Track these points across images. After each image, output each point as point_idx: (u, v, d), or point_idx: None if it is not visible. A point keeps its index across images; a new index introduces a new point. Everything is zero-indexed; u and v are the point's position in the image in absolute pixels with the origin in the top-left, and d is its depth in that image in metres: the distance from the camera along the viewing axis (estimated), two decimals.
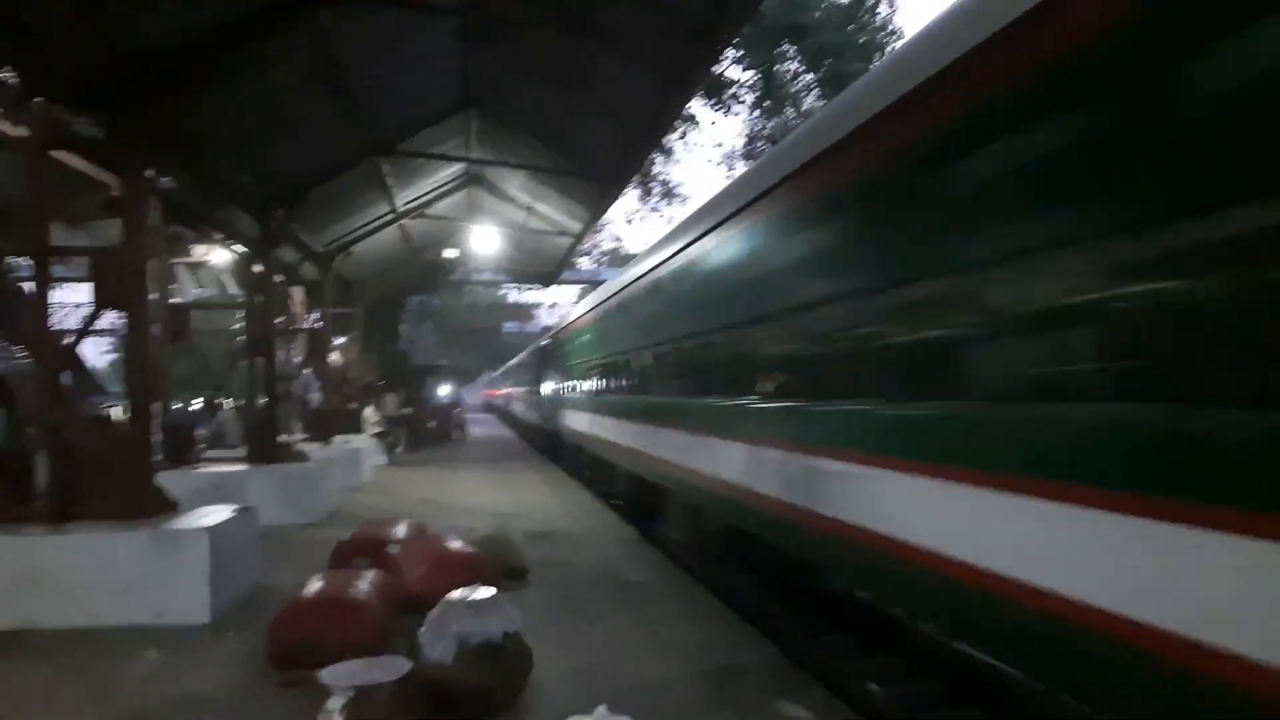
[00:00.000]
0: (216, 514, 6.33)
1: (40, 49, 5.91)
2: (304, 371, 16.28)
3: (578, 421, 14.25)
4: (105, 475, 6.15)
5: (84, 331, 7.33)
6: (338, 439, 15.26)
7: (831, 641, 5.64)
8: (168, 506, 6.47)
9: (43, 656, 5.04)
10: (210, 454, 11.69)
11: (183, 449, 10.16)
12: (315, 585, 5.28)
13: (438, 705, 3.91)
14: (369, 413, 19.23)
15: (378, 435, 18.37)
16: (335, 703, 3.60)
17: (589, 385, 12.97)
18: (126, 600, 5.60)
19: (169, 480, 7.30)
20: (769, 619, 5.86)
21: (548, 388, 19.07)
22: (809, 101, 21.23)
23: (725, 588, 6.66)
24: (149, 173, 7.70)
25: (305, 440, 13.82)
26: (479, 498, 12.19)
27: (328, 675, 3.72)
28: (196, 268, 15.68)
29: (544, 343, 20.77)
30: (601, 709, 3.07)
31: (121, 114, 6.35)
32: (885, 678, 4.87)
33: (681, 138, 23.19)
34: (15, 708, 4.27)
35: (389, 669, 3.83)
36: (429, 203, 16.60)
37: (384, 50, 9.18)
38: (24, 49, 5.91)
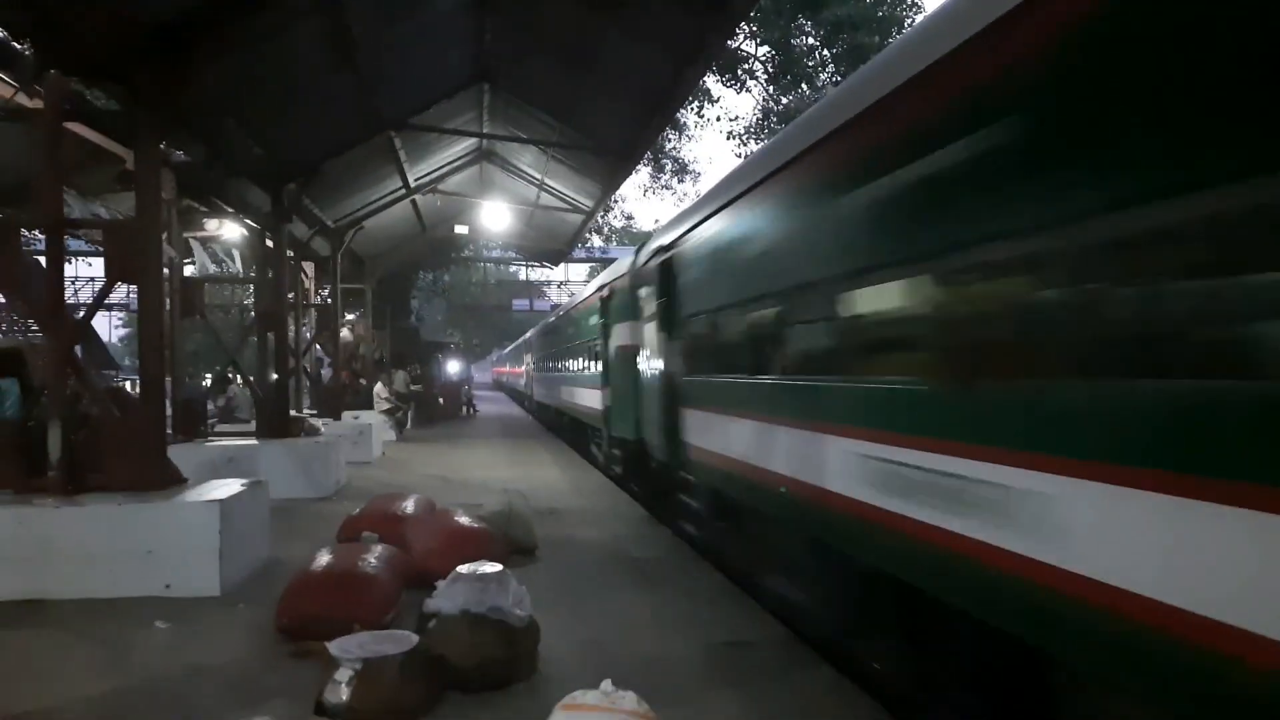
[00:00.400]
0: (227, 487, 6.37)
1: (55, 21, 5.89)
2: (315, 347, 16.34)
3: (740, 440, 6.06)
4: (118, 448, 6.20)
5: (97, 304, 7.37)
6: (347, 414, 15.35)
7: (838, 620, 5.62)
8: (179, 480, 6.52)
9: (57, 626, 5.10)
10: (221, 428, 11.77)
11: (194, 423, 10.23)
12: (324, 559, 5.31)
13: (445, 678, 3.94)
14: (379, 389, 19.31)
15: (387, 411, 18.45)
16: (343, 674, 3.63)
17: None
18: (138, 572, 5.64)
19: (181, 454, 7.35)
20: (776, 597, 5.86)
21: (629, 363, 9.98)
22: (824, 77, 20.96)
23: (733, 566, 6.66)
24: (162, 146, 7.70)
25: (315, 416, 13.90)
26: (487, 474, 12.23)
27: (336, 647, 3.75)
28: (209, 242, 15.72)
29: (619, 282, 11.10)
30: (606, 683, 3.08)
31: (136, 87, 6.33)
32: (890, 656, 4.85)
33: (699, 113, 22.94)
34: (32, 675, 4.33)
35: (397, 642, 3.86)
36: (441, 178, 16.57)
37: (397, 22, 9.12)
38: (39, 21, 5.89)
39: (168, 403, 7.79)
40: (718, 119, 31.21)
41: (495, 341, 61.25)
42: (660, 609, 5.53)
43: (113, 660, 4.55)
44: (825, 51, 21.04)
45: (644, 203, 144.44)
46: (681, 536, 7.96)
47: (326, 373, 17.72)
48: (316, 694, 3.65)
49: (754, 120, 22.30)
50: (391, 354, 23.01)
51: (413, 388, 22.80)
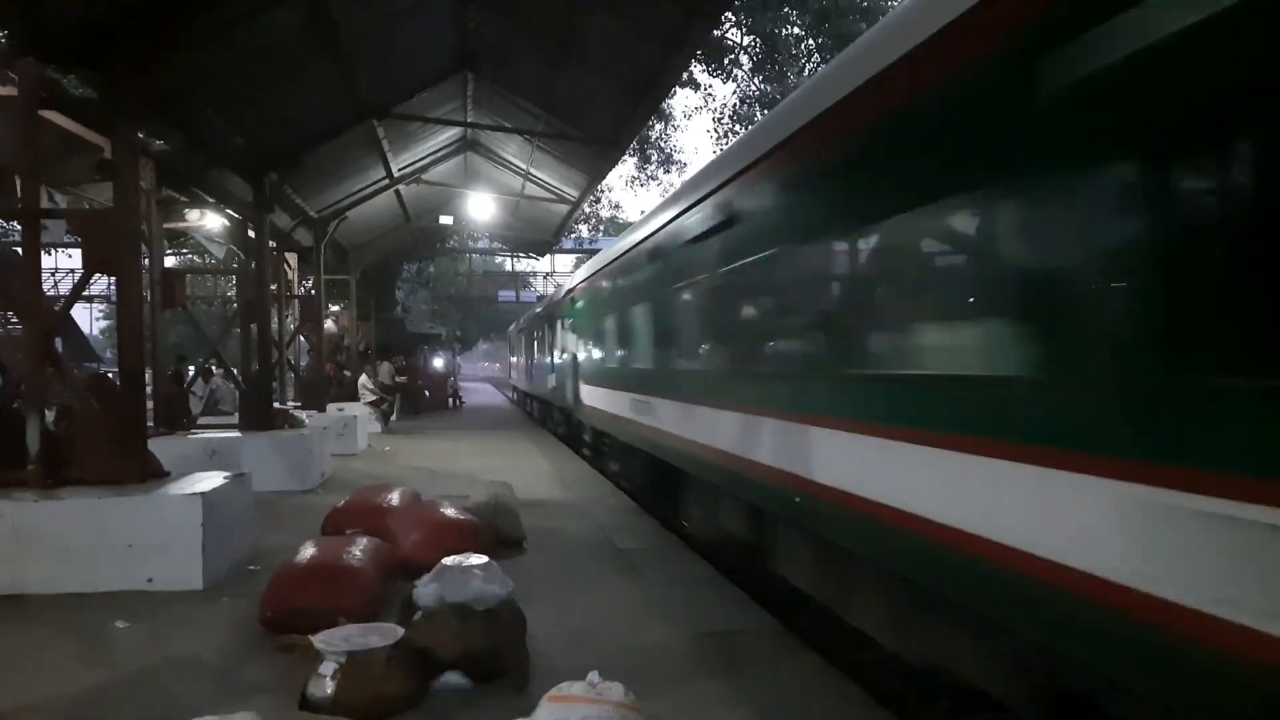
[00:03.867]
0: (210, 480, 6.30)
1: (29, 5, 5.77)
2: (299, 338, 16.20)
3: None
4: (98, 440, 6.11)
5: (75, 295, 7.27)
6: (332, 406, 15.24)
7: (824, 609, 5.63)
8: (160, 472, 6.44)
9: (35, 621, 5.03)
10: (204, 420, 11.66)
11: (177, 415, 10.12)
12: (308, 551, 5.27)
13: (431, 670, 3.91)
14: (364, 380, 19.19)
15: (372, 403, 18.35)
16: (328, 667, 3.60)
17: None
18: (119, 566, 5.58)
19: (163, 446, 7.26)
20: (763, 586, 5.86)
21: None
22: (810, 66, 20.89)
23: (719, 556, 6.66)
24: (141, 134, 7.57)
25: (299, 408, 13.80)
26: (473, 465, 12.18)
27: (321, 640, 3.72)
28: (191, 233, 15.54)
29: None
30: (593, 674, 3.06)
31: (113, 73, 6.21)
32: (875, 645, 4.86)
33: (674, 96, 22.85)
34: (10, 671, 4.27)
35: (382, 634, 3.83)
36: (425, 168, 16.42)
37: (379, 8, 9.01)
38: (12, 6, 5.77)
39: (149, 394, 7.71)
40: (698, 107, 30.86)
41: (482, 333, 60.91)
42: (647, 599, 5.52)
43: (93, 655, 4.50)
44: (811, 41, 20.99)
45: (630, 193, 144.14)
46: (668, 529, 7.96)
47: (309, 364, 17.57)
48: (301, 687, 3.62)
49: (733, 106, 22.26)
50: (376, 345, 22.86)
51: (398, 379, 22.64)
